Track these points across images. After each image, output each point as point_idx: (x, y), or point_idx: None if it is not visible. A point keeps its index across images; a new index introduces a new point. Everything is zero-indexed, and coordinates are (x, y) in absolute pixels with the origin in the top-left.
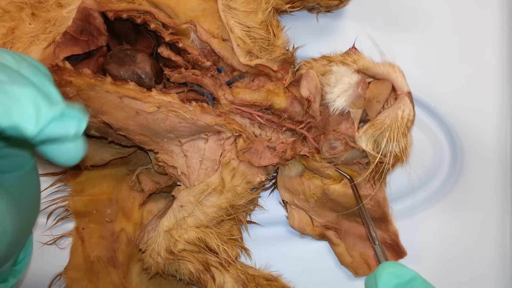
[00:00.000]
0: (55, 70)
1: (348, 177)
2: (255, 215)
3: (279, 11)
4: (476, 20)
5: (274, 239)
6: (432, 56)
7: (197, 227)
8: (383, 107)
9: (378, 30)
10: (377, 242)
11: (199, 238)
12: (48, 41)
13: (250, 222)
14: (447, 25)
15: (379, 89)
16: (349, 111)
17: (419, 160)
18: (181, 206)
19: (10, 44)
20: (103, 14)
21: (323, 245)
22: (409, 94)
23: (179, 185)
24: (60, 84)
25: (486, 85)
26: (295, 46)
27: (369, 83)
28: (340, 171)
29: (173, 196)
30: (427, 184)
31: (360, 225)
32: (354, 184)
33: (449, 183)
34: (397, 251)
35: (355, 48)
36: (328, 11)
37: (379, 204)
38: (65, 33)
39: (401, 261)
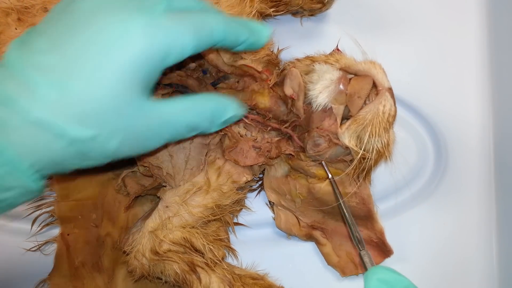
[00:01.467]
0: None
1: (329, 175)
2: (242, 217)
3: (263, 15)
4: (458, 21)
5: (261, 240)
6: (415, 57)
7: (183, 227)
8: (364, 102)
9: (361, 32)
10: (361, 248)
11: (184, 238)
12: None
13: (237, 223)
14: (429, 26)
15: (360, 84)
16: (331, 107)
17: (403, 159)
18: (166, 206)
19: None
20: None
21: (310, 246)
22: (390, 89)
23: (165, 186)
24: None
25: (468, 84)
26: (279, 48)
27: (350, 79)
28: (325, 167)
29: (158, 197)
30: (412, 183)
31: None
32: (334, 180)
33: (434, 181)
34: (384, 250)
35: (338, 49)
36: (312, 15)
37: (364, 202)
38: None
39: (388, 259)
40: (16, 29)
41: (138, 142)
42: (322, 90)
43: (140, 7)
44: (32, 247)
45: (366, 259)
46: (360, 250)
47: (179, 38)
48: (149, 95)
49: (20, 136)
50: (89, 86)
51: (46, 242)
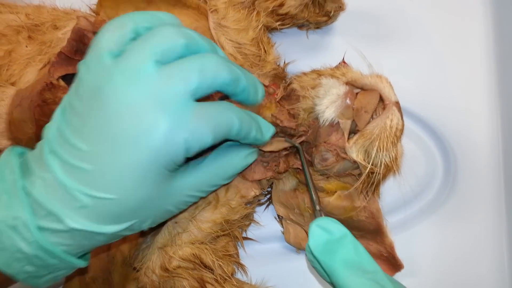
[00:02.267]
0: (50, 88)
1: (296, 145)
2: (251, 231)
3: (269, 29)
4: (464, 31)
5: (270, 255)
6: (421, 67)
7: (192, 243)
8: (371, 117)
9: (367, 44)
10: (317, 207)
11: (194, 254)
12: (44, 62)
13: (245, 238)
14: (435, 36)
15: (367, 99)
16: (338, 122)
17: (412, 171)
18: (176, 222)
19: (7, 67)
20: None
21: None
22: (397, 103)
23: None
24: (55, 102)
25: (475, 93)
26: (286, 62)
27: (357, 94)
28: (288, 141)
29: None
30: (421, 196)
31: (356, 238)
32: (302, 149)
33: (443, 193)
34: (394, 264)
35: (345, 62)
36: (318, 28)
37: (373, 216)
38: (60, 53)
39: (398, 273)
40: (26, 46)
41: (169, 214)
42: (329, 105)
43: (166, 105)
44: None
45: (318, 214)
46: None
47: (201, 138)
48: (175, 173)
49: (65, 238)
50: (121, 194)
51: None
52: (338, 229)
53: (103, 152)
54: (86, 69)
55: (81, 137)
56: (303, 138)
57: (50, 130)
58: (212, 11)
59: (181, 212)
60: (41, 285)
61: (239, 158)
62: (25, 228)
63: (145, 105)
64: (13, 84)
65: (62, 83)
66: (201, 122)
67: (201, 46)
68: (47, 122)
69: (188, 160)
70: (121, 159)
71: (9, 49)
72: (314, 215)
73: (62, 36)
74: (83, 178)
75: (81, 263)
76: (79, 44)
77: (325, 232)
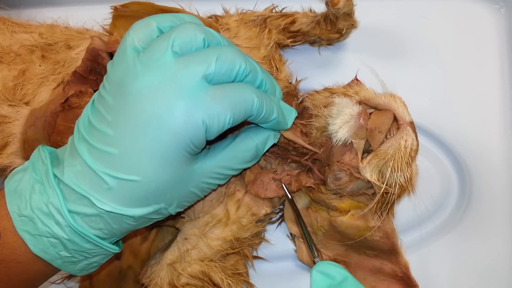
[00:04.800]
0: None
1: (289, 197)
2: (262, 250)
3: (281, 46)
4: (477, 46)
5: (281, 274)
6: (435, 84)
7: (201, 260)
8: (385, 137)
9: (379, 61)
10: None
11: (202, 272)
12: (57, 82)
13: (256, 257)
14: (447, 52)
15: (381, 119)
16: (351, 142)
17: (426, 190)
18: (185, 238)
19: (21, 86)
20: (111, 55)
21: None
22: (411, 123)
23: (183, 217)
24: (80, 106)
25: (490, 110)
26: (298, 79)
27: (370, 113)
28: (285, 188)
29: (177, 228)
30: (436, 214)
31: (371, 258)
32: (292, 200)
33: (459, 212)
34: (409, 284)
35: (357, 80)
36: (330, 44)
37: (388, 236)
38: (75, 72)
39: None
40: (40, 66)
41: (193, 196)
42: (342, 125)
43: (182, 87)
44: (56, 280)
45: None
46: (315, 258)
47: (219, 117)
48: (197, 156)
49: (96, 222)
50: (145, 176)
51: (70, 275)
52: (339, 272)
53: (126, 135)
54: (111, 64)
55: (107, 123)
56: (315, 156)
57: (81, 120)
58: (223, 30)
59: (191, 224)
60: (77, 272)
61: (260, 140)
62: (58, 213)
63: (162, 88)
64: (27, 103)
65: (89, 89)
66: (218, 101)
67: (220, 42)
68: (69, 127)
69: (210, 144)
70: (142, 141)
71: (23, 69)
72: (313, 261)
73: (76, 56)
74: (109, 161)
75: (115, 248)
76: (94, 64)
77: (326, 277)
